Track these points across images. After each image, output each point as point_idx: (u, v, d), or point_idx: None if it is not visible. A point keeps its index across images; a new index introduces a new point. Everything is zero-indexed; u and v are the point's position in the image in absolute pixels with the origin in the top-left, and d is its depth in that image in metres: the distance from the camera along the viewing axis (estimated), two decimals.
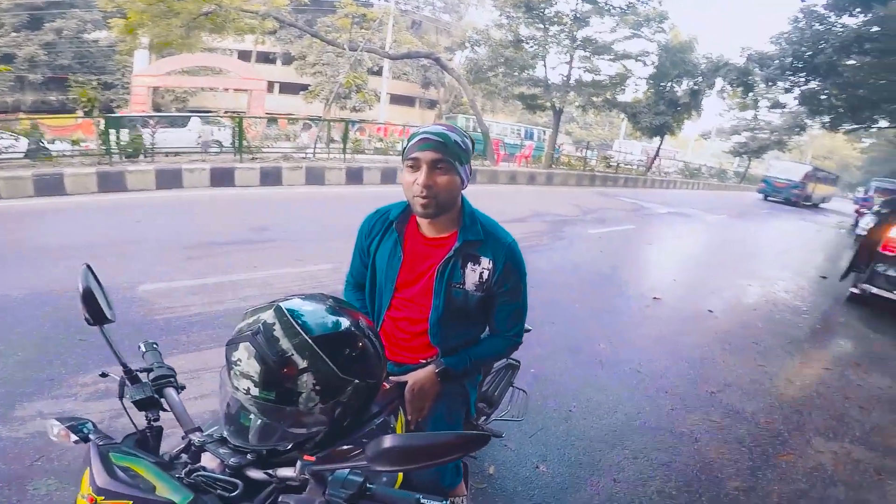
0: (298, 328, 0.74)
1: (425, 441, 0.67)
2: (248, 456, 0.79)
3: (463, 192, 1.26)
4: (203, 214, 6.98)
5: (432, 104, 32.79)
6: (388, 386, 1.24)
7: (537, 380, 3.07)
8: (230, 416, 0.80)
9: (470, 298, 1.26)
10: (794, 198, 22.23)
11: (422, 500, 0.71)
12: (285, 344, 0.73)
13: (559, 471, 2.30)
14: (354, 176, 10.98)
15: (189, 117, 13.46)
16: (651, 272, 6.77)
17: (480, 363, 1.38)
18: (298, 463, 0.73)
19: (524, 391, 2.26)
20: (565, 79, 19.64)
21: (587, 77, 19.96)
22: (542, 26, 18.40)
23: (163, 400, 0.94)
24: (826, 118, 16.59)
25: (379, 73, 25.24)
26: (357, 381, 0.77)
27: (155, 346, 1.06)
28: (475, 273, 1.26)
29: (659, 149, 25.15)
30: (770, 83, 16.21)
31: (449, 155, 1.15)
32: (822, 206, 25.83)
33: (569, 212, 10.57)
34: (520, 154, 18.32)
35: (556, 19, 18.16)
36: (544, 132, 22.92)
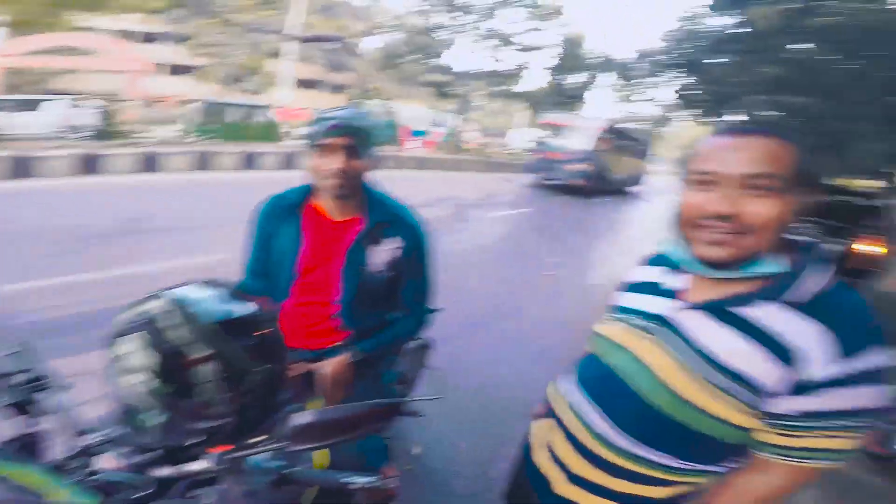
0: (196, 315, 0.71)
1: (340, 414, 0.68)
2: (154, 453, 0.75)
3: (370, 175, 1.27)
4: (70, 205, 6.14)
5: (341, 88, 31.73)
6: (296, 373, 1.24)
7: (445, 359, 3.18)
8: (127, 414, 0.75)
9: (380, 279, 1.28)
10: (581, 179, 13.32)
11: (345, 479, 0.72)
12: (183, 332, 0.70)
13: (478, 445, 2.41)
14: (250, 161, 10.32)
15: (39, 101, 11.46)
16: (545, 251, 7.28)
17: (393, 345, 1.41)
18: (211, 454, 0.71)
19: (440, 370, 2.34)
20: (473, 67, 20.21)
21: (493, 67, 20.67)
22: (454, 15, 18.76)
23: (41, 404, 0.85)
24: (698, 110, 18.84)
25: (280, 55, 23.86)
26: (263, 366, 0.75)
27: (26, 347, 0.94)
28: (384, 254, 1.27)
29: None
30: (650, 78, 17.91)
31: (360, 139, 1.16)
32: (631, 190, 17.51)
33: (472, 196, 10.98)
34: (428, 140, 18.39)
35: (468, 10, 18.56)
36: (452, 119, 23.27)
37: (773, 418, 0.77)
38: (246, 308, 0.77)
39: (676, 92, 18.20)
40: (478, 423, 2.58)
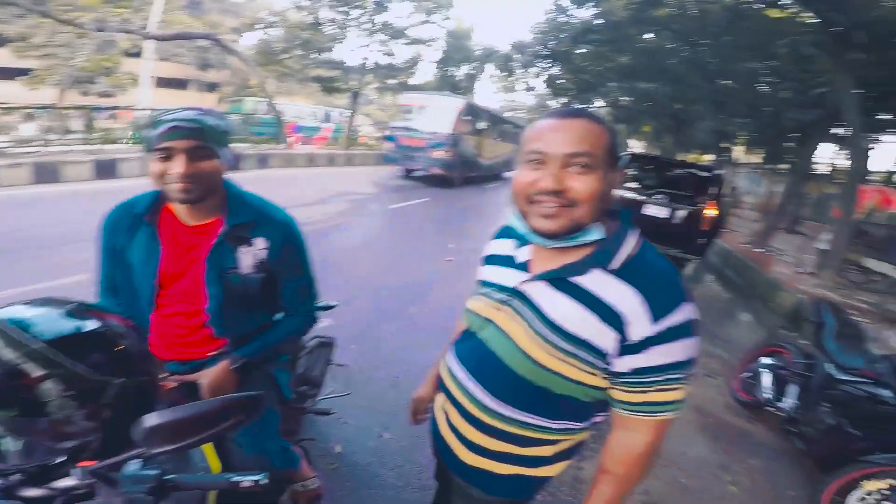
0: (25, 336, 0.68)
1: (193, 411, 0.68)
2: (20, 475, 0.72)
3: (239, 173, 1.21)
4: None
5: (212, 87, 29.14)
6: (172, 385, 1.18)
7: (359, 354, 3.16)
8: None
9: (250, 282, 1.22)
10: (441, 168, 12.27)
11: (234, 479, 0.71)
12: (10, 355, 0.67)
13: (403, 433, 2.43)
14: (106, 169, 9.09)
15: None
16: (443, 237, 7.33)
17: (278, 346, 1.35)
18: (77, 470, 0.70)
19: (345, 366, 2.31)
20: (363, 61, 19.92)
21: (384, 60, 20.67)
22: (343, 10, 18.38)
23: None
24: (564, 99, 20.48)
25: (139, 55, 21.28)
26: (119, 380, 0.74)
27: None
28: (250, 255, 1.21)
29: None
30: (526, 68, 19.12)
31: (207, 140, 1.09)
32: (505, 175, 17.09)
33: (370, 190, 10.91)
34: (318, 136, 17.78)
35: (357, 3, 18.28)
36: (343, 114, 22.64)
37: (616, 377, 0.86)
38: (91, 323, 0.76)
39: (544, 81, 19.69)
40: (399, 413, 2.58)
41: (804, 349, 3.19)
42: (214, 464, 1.05)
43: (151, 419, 0.65)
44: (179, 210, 1.18)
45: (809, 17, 7.55)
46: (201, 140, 1.07)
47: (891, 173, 15.99)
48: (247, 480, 0.73)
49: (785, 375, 3.08)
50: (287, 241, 1.25)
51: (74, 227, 5.47)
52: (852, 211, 7.05)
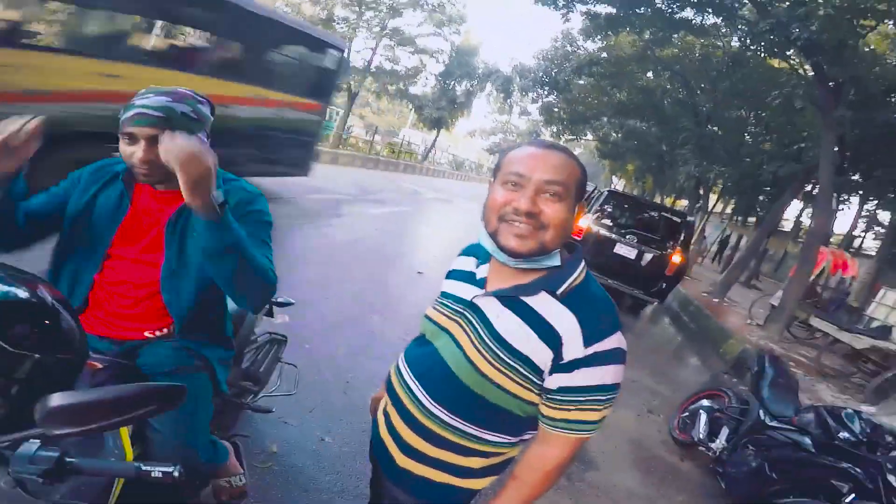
0: None
1: (104, 395, 0.64)
2: None
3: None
4: None
5: None
6: (101, 366, 1.13)
7: (312, 355, 3.12)
8: None
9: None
10: None
11: (143, 467, 0.68)
12: None
13: (345, 440, 2.40)
14: None
15: None
16: (417, 249, 7.57)
17: (244, 251, 1.06)
18: None
19: (294, 365, 2.29)
20: (367, 63, 19.94)
21: (387, 65, 20.87)
22: (357, 10, 18.56)
23: None
24: (555, 127, 20.91)
25: None
26: (37, 355, 0.70)
27: None
28: None
29: (435, 141, 27.70)
30: (524, 93, 19.47)
31: (173, 128, 1.06)
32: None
33: (350, 191, 10.84)
34: None
35: (372, 5, 18.46)
36: (337, 112, 22.52)
37: (545, 392, 0.92)
38: (16, 291, 0.71)
39: (538, 108, 20.06)
40: (344, 419, 2.56)
41: (741, 395, 3.33)
42: (128, 451, 1.00)
43: (56, 399, 0.61)
44: None
45: (807, 70, 7.82)
46: (166, 128, 1.05)
47: (852, 237, 16.81)
48: (157, 471, 0.68)
49: (720, 418, 3.22)
50: (252, 207, 1.21)
51: None
52: (808, 271, 7.40)
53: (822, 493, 2.34)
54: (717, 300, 9.36)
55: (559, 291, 0.91)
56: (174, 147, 0.92)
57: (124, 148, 1.10)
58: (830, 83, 6.85)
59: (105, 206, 1.19)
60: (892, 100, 7.65)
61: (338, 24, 18.78)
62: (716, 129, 13.25)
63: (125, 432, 1.01)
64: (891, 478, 2.19)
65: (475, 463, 1.01)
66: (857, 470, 2.28)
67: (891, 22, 6.94)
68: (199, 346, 1.30)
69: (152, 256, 1.19)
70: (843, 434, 2.45)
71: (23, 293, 0.72)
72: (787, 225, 18.47)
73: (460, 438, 0.98)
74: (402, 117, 43.17)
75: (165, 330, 1.27)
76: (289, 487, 2.04)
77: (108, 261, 1.20)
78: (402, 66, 21.40)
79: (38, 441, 0.65)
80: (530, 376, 0.91)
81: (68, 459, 0.65)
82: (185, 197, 0.94)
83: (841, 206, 13.83)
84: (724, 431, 3.08)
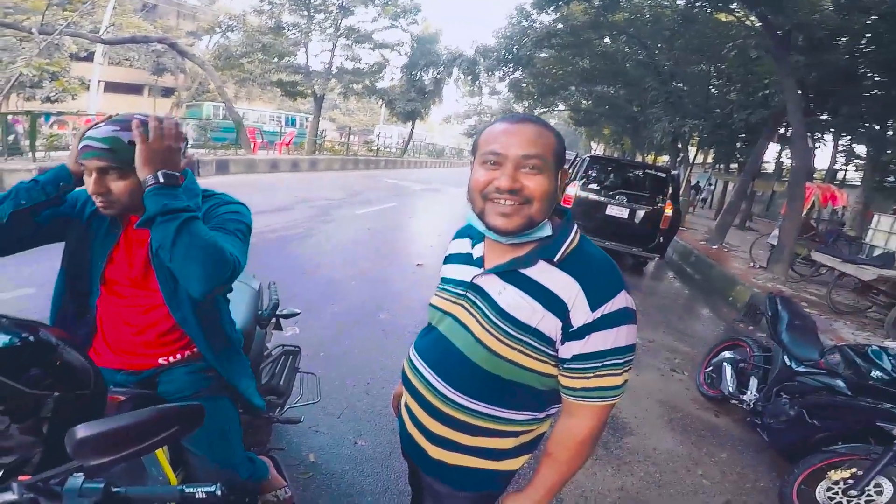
0: None
1: (125, 422, 0.66)
2: None
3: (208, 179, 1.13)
4: None
5: (168, 92, 28.17)
6: (123, 398, 1.11)
7: (328, 361, 3.07)
8: None
9: None
10: None
11: (186, 490, 0.70)
12: None
13: (378, 439, 2.40)
14: None
15: None
16: (413, 242, 7.53)
17: (192, 228, 0.98)
18: (14, 485, 0.67)
19: (313, 374, 2.25)
20: (327, 66, 19.79)
21: (348, 65, 20.64)
22: (306, 14, 18.26)
23: None
24: (527, 103, 20.84)
25: (89, 59, 20.29)
26: (56, 393, 0.72)
27: None
28: None
29: (411, 133, 27.50)
30: (490, 73, 19.33)
31: (120, 160, 1.04)
32: None
33: (335, 195, 10.77)
34: (280, 141, 17.39)
35: (321, 7, 18.22)
36: (307, 118, 22.23)
37: (561, 362, 0.90)
38: (18, 336, 0.73)
39: (506, 86, 19.98)
40: (372, 420, 2.56)
41: (761, 342, 3.30)
42: (171, 477, 1.03)
43: (80, 430, 0.62)
44: None
45: (754, 21, 7.94)
46: (111, 160, 1.03)
47: (835, 171, 17.06)
48: (200, 492, 0.71)
49: (745, 369, 3.19)
50: (227, 207, 1.18)
51: None
52: (799, 207, 7.45)
53: (871, 436, 2.27)
54: (715, 247, 9.43)
55: (556, 258, 0.90)
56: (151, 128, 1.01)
57: (85, 179, 1.07)
58: (778, 32, 6.95)
59: (98, 232, 1.18)
60: (839, 42, 7.73)
61: (289, 30, 18.52)
62: (681, 84, 13.39)
63: (164, 459, 1.04)
64: None
65: (506, 444, 0.99)
66: None
67: None
68: (216, 364, 1.26)
69: (146, 281, 1.18)
70: (876, 373, 2.38)
71: (27, 338, 0.74)
72: (770, 167, 18.67)
73: (485, 421, 0.97)
74: (374, 114, 42.87)
75: (179, 356, 1.25)
76: (332, 494, 2.04)
77: (105, 286, 1.19)
78: (364, 64, 21.18)
79: (82, 474, 0.68)
80: (542, 348, 0.89)
81: (114, 489, 0.68)
82: (138, 172, 1.00)
83: (817, 145, 14.02)
84: (753, 382, 3.04)
